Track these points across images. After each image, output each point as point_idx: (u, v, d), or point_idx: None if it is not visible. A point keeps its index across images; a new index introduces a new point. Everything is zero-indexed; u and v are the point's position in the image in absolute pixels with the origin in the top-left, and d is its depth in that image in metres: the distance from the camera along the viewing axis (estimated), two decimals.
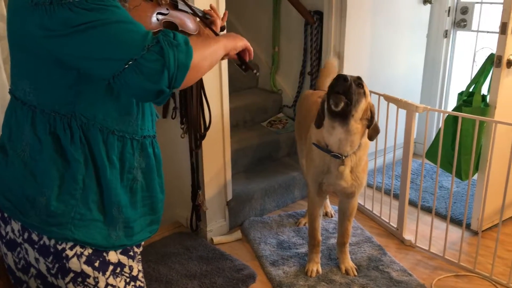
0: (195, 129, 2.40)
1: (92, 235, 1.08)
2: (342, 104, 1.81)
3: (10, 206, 1.08)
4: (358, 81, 1.87)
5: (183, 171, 2.62)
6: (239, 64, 1.30)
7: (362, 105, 1.88)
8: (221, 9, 2.36)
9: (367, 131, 1.96)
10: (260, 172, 3.09)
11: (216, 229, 2.65)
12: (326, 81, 2.59)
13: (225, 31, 2.00)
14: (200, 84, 2.31)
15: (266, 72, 3.73)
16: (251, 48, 1.28)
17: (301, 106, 2.58)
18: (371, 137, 1.97)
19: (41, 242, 1.07)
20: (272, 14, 3.57)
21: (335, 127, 1.91)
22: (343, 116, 1.86)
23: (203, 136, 2.42)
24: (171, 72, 0.96)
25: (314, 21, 3.19)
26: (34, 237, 1.08)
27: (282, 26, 3.56)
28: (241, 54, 1.26)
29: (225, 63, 2.44)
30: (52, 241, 1.07)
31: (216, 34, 1.43)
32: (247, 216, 2.81)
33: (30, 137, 1.06)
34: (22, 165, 1.07)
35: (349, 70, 3.04)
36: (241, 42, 1.23)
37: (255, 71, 1.33)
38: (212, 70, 2.38)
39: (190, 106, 2.34)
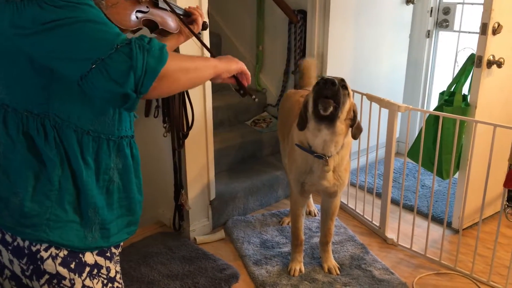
0: (178, 128, 2.38)
1: (68, 236, 1.06)
2: (331, 109, 1.81)
3: None
4: (343, 83, 1.87)
5: (165, 171, 2.59)
6: (237, 88, 1.25)
7: (347, 106, 1.89)
8: (204, 8, 2.34)
9: (350, 130, 1.96)
10: (244, 171, 3.08)
11: (199, 228, 2.64)
12: (309, 81, 2.60)
13: (207, 30, 1.99)
14: None
15: (250, 71, 3.69)
16: (248, 72, 1.23)
17: (283, 106, 2.57)
18: (354, 136, 1.98)
19: (15, 244, 1.05)
20: (256, 13, 3.56)
21: (321, 130, 1.91)
22: (330, 119, 1.86)
23: (185, 135, 2.40)
24: (138, 75, 0.91)
25: (298, 20, 3.19)
26: (8, 238, 1.05)
27: (266, 25, 3.56)
28: (238, 78, 1.22)
29: None
30: (26, 243, 1.04)
31: (195, 34, 1.41)
32: (230, 215, 2.80)
33: (2, 136, 1.04)
34: None
35: (332, 69, 3.06)
36: (236, 65, 1.18)
37: (253, 96, 1.29)
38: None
39: (173, 105, 2.32)
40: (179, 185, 2.53)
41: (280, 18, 3.35)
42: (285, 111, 2.48)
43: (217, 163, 2.80)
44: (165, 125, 2.41)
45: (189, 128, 2.39)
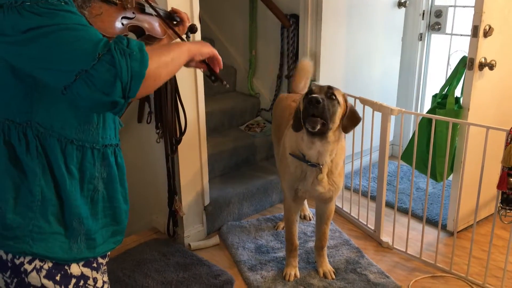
0: (171, 133, 2.37)
1: (52, 248, 1.04)
2: (318, 126, 1.82)
3: None
4: (330, 92, 1.86)
5: (159, 177, 2.58)
6: (208, 74, 1.25)
7: (338, 113, 1.89)
8: (195, 12, 2.33)
9: (342, 133, 1.95)
10: (238, 176, 3.06)
11: (193, 234, 2.62)
12: (301, 84, 2.59)
13: (199, 31, 1.97)
14: (175, 88, 2.28)
15: (244, 75, 3.71)
16: (220, 58, 1.23)
17: (276, 110, 2.57)
18: (345, 128, 1.93)
19: None
20: (248, 18, 3.56)
21: (315, 142, 1.92)
22: (322, 133, 1.88)
23: (178, 141, 2.39)
24: (124, 82, 0.90)
25: (290, 25, 3.19)
26: None
27: (259, 30, 3.56)
28: (209, 64, 1.22)
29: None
30: (10, 255, 1.02)
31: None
32: (225, 220, 2.78)
33: None
34: None
35: (325, 73, 3.06)
36: (208, 49, 1.18)
37: (224, 82, 1.28)
38: (187, 74, 2.38)
39: (165, 110, 2.30)
40: (173, 191, 2.51)
41: (272, 23, 3.35)
42: (277, 115, 2.48)
43: (211, 168, 2.79)
44: (158, 131, 2.40)
45: (182, 133, 2.38)
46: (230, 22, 3.76)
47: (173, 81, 2.27)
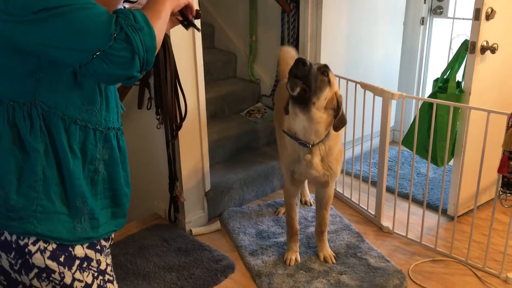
0: (171, 119, 2.36)
1: (56, 228, 1.05)
2: (298, 89, 1.76)
3: None
4: (324, 69, 1.84)
5: (160, 163, 2.58)
6: (181, 20, 1.26)
7: (326, 93, 1.85)
8: None
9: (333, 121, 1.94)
10: (239, 162, 3.07)
11: (194, 220, 2.63)
12: (282, 71, 2.56)
13: (199, 19, 1.96)
14: (175, 73, 2.27)
15: (244, 61, 3.69)
16: (193, 5, 1.24)
17: (278, 96, 2.56)
18: (336, 128, 1.93)
19: (3, 238, 1.04)
20: (248, 3, 3.53)
21: (297, 114, 1.88)
22: (304, 103, 1.82)
23: (179, 127, 2.39)
24: (142, 57, 0.96)
25: (291, 9, 3.16)
26: None
27: (259, 15, 3.53)
28: (183, 11, 1.23)
29: (199, 52, 2.40)
30: (14, 237, 1.03)
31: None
32: (226, 206, 2.79)
33: None
34: None
35: (326, 57, 3.03)
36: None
37: (197, 27, 1.30)
38: (187, 60, 2.37)
39: (165, 96, 2.30)
40: (174, 177, 2.52)
41: (273, 7, 3.32)
42: (279, 100, 2.47)
43: (212, 154, 2.79)
44: (158, 116, 2.40)
45: (182, 119, 2.37)
46: (230, 7, 3.72)
47: (173, 67, 2.26)
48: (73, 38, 0.92)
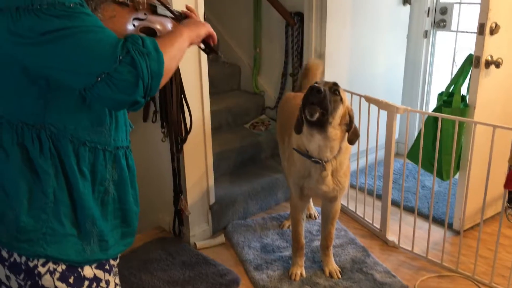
0: (176, 132, 2.37)
1: (65, 250, 1.04)
2: (317, 115, 1.82)
3: None
4: (334, 88, 1.87)
5: (164, 176, 2.58)
6: (203, 48, 1.27)
7: (340, 111, 1.89)
8: (200, 11, 2.33)
9: (346, 135, 1.96)
10: (243, 174, 3.06)
11: (199, 233, 2.62)
12: (309, 83, 2.58)
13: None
14: (180, 87, 2.28)
15: (248, 73, 3.71)
16: (214, 33, 1.25)
17: (282, 109, 2.56)
18: (351, 141, 1.97)
19: (12, 259, 1.03)
20: (253, 16, 3.55)
21: (314, 135, 1.92)
22: (321, 125, 1.87)
23: (184, 140, 2.39)
24: (146, 83, 0.94)
25: (295, 23, 3.18)
26: (4, 254, 1.03)
27: (263, 28, 3.55)
28: (205, 40, 1.24)
29: (204, 66, 2.41)
30: (23, 258, 1.03)
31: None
32: (230, 219, 2.78)
33: None
34: None
35: (330, 71, 3.05)
36: (204, 29, 1.20)
37: (219, 53, 1.32)
38: (192, 73, 2.38)
39: (170, 109, 2.30)
40: (178, 190, 2.52)
41: (277, 20, 3.34)
42: (285, 114, 2.47)
43: (216, 167, 2.79)
44: (163, 130, 2.40)
45: (187, 132, 2.38)
46: (235, 20, 3.75)
47: (178, 80, 2.27)
48: (78, 60, 0.91)
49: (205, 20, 2.39)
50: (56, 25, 0.90)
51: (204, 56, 2.40)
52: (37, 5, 0.89)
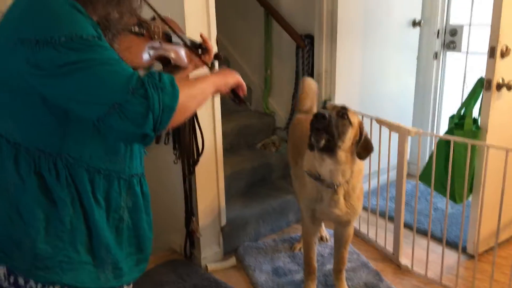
0: (188, 154, 2.39)
1: (81, 278, 1.05)
2: (323, 141, 1.81)
3: None
4: (342, 112, 1.86)
5: (176, 197, 2.59)
6: (232, 98, 1.29)
7: (349, 134, 1.87)
8: (213, 33, 2.36)
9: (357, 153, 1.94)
10: (254, 195, 3.06)
11: (210, 255, 2.62)
12: (307, 103, 2.58)
13: (217, 62, 2.00)
14: None
15: (259, 94, 3.74)
16: (244, 83, 1.26)
17: (294, 131, 2.57)
18: (359, 155, 1.91)
19: (28, 286, 1.04)
20: (264, 38, 3.60)
21: (324, 159, 1.91)
22: (330, 149, 1.86)
23: (196, 162, 2.41)
24: (156, 115, 0.94)
25: (305, 45, 3.21)
26: (21, 281, 1.05)
27: (274, 50, 3.59)
28: (234, 90, 1.25)
29: None
30: (39, 285, 1.04)
31: (208, 65, 1.42)
32: (241, 241, 2.77)
33: (13, 176, 1.03)
34: (7, 204, 1.03)
35: (340, 92, 3.07)
36: (233, 79, 1.22)
37: (248, 103, 1.33)
38: None
39: (183, 132, 2.33)
40: (190, 211, 2.52)
41: (287, 43, 3.38)
42: (296, 136, 2.47)
43: (227, 188, 2.79)
44: (175, 151, 2.42)
45: (199, 154, 2.39)
46: (246, 42, 3.80)
47: None
48: (92, 92, 0.93)
49: (217, 43, 2.44)
50: (73, 58, 0.92)
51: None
52: (56, 39, 0.92)
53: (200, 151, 2.38)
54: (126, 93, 0.92)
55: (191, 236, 2.57)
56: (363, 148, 1.92)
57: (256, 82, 3.77)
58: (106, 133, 1.03)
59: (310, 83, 2.60)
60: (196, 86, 1.05)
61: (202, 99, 1.08)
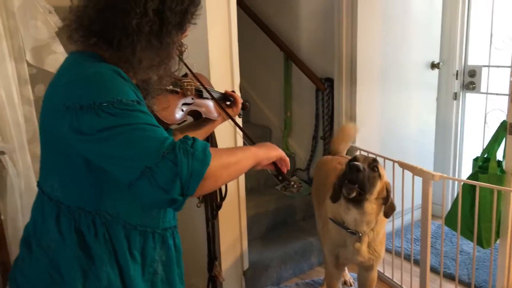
0: (211, 199, 2.41)
1: None
2: (354, 194, 1.84)
3: None
4: (373, 164, 1.89)
5: (199, 241, 2.60)
6: (275, 174, 1.24)
7: (377, 187, 1.90)
8: (236, 80, 2.43)
9: (383, 208, 1.96)
10: (276, 238, 3.05)
11: None
12: (341, 146, 2.62)
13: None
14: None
15: (279, 135, 3.78)
16: (287, 158, 1.22)
17: (319, 172, 2.58)
18: (386, 215, 1.97)
19: None
20: (283, 81, 3.67)
21: (350, 209, 1.93)
22: (358, 201, 1.89)
23: (219, 206, 2.42)
24: (184, 180, 0.93)
25: (325, 88, 3.27)
26: None
27: (294, 92, 3.66)
28: (277, 164, 1.21)
29: (238, 130, 2.48)
30: None
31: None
32: (263, 285, 2.75)
33: (54, 233, 1.06)
34: (48, 261, 1.07)
35: (361, 135, 3.08)
36: (275, 152, 1.18)
37: (292, 183, 1.27)
38: (226, 137, 2.44)
39: None
40: (213, 255, 2.52)
41: (307, 86, 3.45)
42: (321, 177, 2.48)
43: (249, 230, 2.79)
44: (198, 196, 2.45)
45: (223, 199, 2.41)
46: (266, 84, 3.88)
47: (214, 145, 2.33)
48: (125, 155, 0.94)
49: (240, 89, 2.50)
50: (111, 123, 0.95)
51: (238, 120, 2.47)
52: (98, 103, 0.96)
53: (223, 195, 2.40)
54: (157, 157, 0.92)
55: (214, 281, 2.55)
56: (390, 208, 1.97)
57: (276, 123, 3.82)
58: (138, 199, 1.02)
59: (349, 129, 2.66)
60: (232, 156, 1.03)
61: (237, 170, 1.05)
